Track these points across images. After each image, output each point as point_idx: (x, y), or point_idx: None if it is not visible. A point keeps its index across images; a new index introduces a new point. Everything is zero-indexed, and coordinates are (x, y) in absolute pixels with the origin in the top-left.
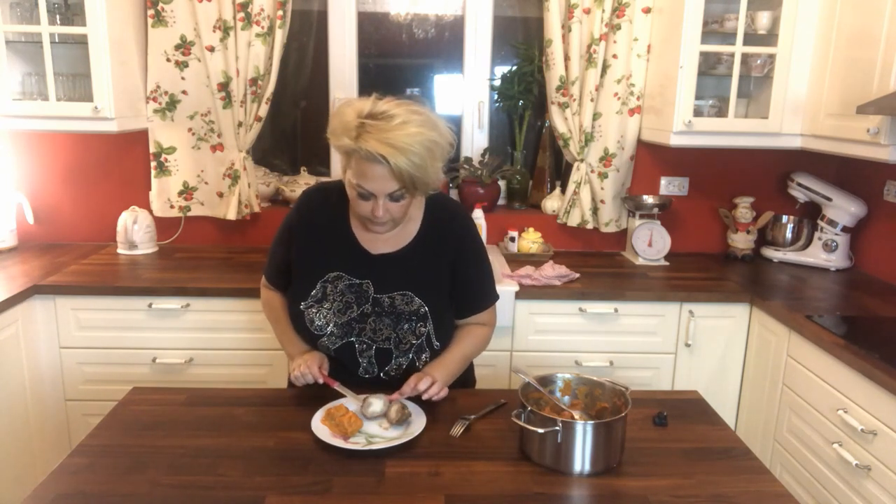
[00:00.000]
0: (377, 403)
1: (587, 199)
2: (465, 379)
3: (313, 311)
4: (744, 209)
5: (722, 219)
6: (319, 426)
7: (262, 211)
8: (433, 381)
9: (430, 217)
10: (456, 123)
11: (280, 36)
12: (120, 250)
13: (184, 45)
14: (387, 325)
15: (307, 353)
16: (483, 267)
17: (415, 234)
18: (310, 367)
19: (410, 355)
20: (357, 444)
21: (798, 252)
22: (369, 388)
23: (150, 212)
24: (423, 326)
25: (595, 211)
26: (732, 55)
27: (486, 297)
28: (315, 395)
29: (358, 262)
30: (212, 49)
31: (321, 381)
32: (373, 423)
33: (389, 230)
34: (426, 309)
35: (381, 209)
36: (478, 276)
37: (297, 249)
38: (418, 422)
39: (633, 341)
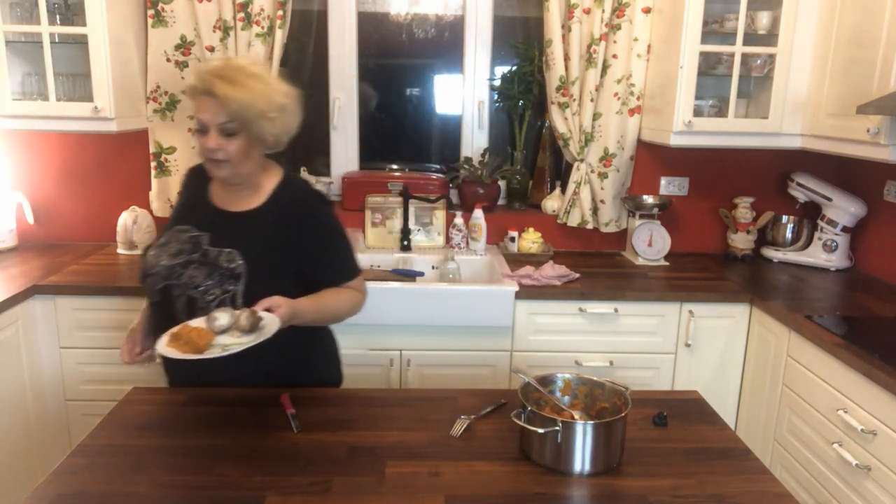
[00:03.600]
0: (223, 317)
1: (587, 199)
2: (326, 378)
3: (151, 252)
4: (744, 209)
5: (722, 219)
6: (167, 350)
7: None
8: (278, 305)
9: (282, 191)
10: (456, 123)
11: (280, 36)
12: (120, 250)
13: (184, 45)
14: (201, 273)
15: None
16: (337, 246)
17: (262, 202)
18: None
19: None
20: (213, 353)
21: (798, 252)
22: None
23: (150, 212)
24: (232, 285)
25: (595, 211)
26: (732, 55)
27: (344, 272)
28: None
29: (203, 215)
30: (212, 49)
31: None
32: (224, 336)
33: (228, 174)
34: (242, 270)
35: (212, 141)
36: (332, 255)
37: (171, 214)
38: (272, 324)
39: (633, 341)
